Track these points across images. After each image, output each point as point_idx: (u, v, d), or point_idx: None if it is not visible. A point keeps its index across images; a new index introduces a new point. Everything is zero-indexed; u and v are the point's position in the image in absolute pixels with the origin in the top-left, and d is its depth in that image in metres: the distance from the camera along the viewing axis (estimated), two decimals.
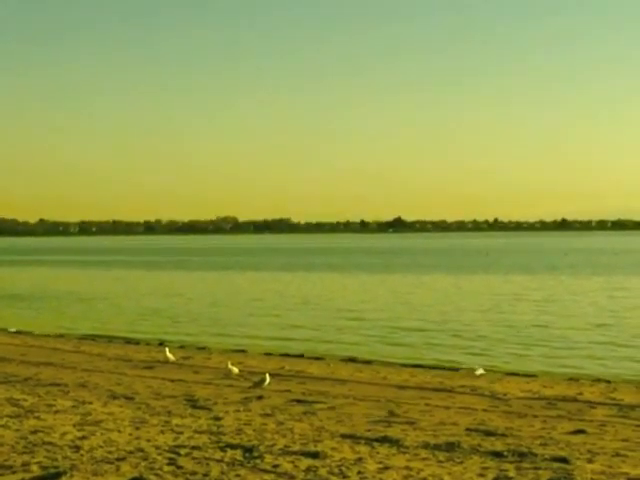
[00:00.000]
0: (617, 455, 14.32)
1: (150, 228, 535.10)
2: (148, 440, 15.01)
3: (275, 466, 13.15)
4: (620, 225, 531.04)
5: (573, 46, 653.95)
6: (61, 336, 37.88)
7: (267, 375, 22.56)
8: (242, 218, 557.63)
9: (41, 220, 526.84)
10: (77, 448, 14.31)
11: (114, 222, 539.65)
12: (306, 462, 13.40)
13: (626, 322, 40.70)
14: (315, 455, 13.84)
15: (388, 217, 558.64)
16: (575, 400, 20.99)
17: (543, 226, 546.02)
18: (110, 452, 14.03)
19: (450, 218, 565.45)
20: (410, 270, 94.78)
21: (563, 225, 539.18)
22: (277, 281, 77.67)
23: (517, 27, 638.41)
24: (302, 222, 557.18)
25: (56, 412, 18.01)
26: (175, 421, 17.03)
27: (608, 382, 24.78)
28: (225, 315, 47.07)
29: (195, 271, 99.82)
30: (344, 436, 15.59)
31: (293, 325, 41.47)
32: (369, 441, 15.10)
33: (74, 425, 16.42)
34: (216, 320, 44.56)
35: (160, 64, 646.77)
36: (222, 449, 14.28)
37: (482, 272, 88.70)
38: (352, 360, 29.86)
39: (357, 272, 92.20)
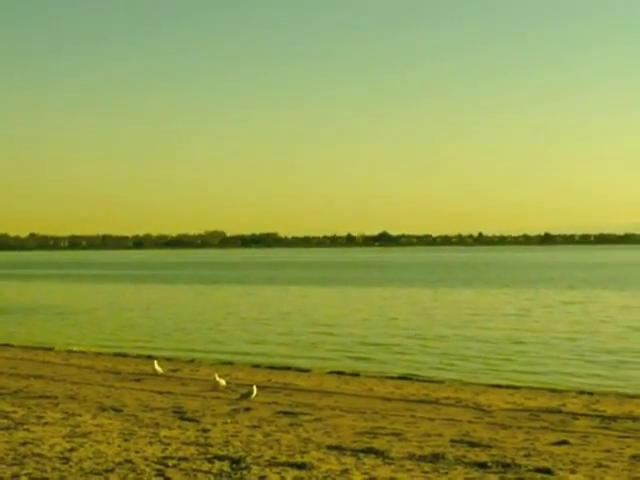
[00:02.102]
0: (600, 466, 14.50)
1: (139, 243, 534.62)
2: (136, 452, 15.13)
3: (262, 477, 13.29)
4: (603, 239, 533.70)
5: (556, 63, 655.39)
6: (50, 349, 37.93)
7: (254, 387, 22.72)
8: (230, 232, 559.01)
9: (32, 234, 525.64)
10: (66, 460, 14.41)
11: (104, 237, 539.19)
12: (293, 473, 13.53)
13: (601, 335, 41.00)
14: (302, 466, 13.98)
15: (374, 232, 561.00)
16: (558, 411, 21.23)
17: (527, 240, 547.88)
18: (99, 464, 14.14)
19: (435, 232, 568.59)
20: (392, 284, 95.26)
21: (547, 239, 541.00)
22: (260, 295, 77.98)
23: (501, 43, 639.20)
24: (289, 236, 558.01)
25: (45, 424, 18.11)
26: (163, 433, 17.16)
27: (590, 394, 24.99)
28: (207, 328, 47.25)
29: (182, 284, 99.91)
30: (330, 447, 15.75)
31: (263, 339, 41.43)
32: (355, 452, 15.25)
33: (63, 437, 16.53)
34: (200, 332, 44.76)
35: (147, 79, 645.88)
36: (210, 460, 14.41)
37: (463, 285, 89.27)
38: (339, 372, 30.04)
39: (340, 286, 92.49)
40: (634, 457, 15.27)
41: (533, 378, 28.70)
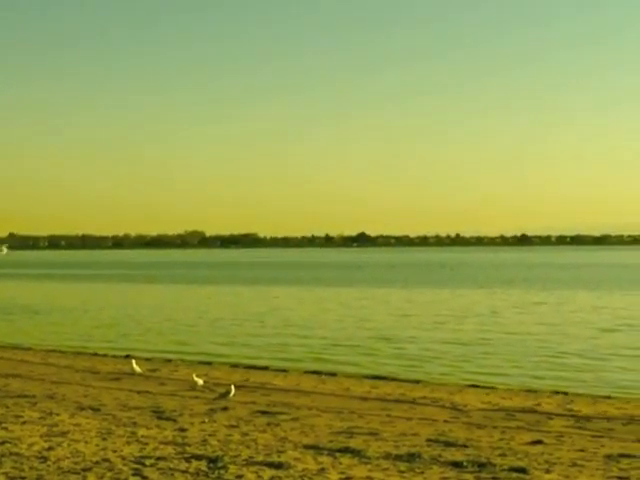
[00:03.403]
0: (574, 465, 14.64)
1: (118, 243, 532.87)
2: (114, 451, 15.17)
3: (239, 476, 13.36)
4: (579, 240, 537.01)
5: (533, 65, 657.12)
6: (29, 349, 37.86)
7: (232, 387, 22.79)
8: (209, 233, 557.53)
9: (11, 234, 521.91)
10: (44, 459, 14.44)
11: (83, 236, 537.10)
12: (270, 472, 13.61)
13: (571, 336, 41.34)
14: (278, 466, 14.05)
15: (352, 232, 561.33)
16: (533, 411, 21.42)
17: (504, 241, 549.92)
18: (76, 463, 14.17)
19: (413, 233, 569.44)
20: (368, 284, 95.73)
21: (523, 240, 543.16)
22: (235, 295, 78.19)
23: (480, 46, 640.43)
24: (268, 237, 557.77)
25: (24, 423, 18.13)
26: (141, 432, 17.21)
27: (565, 394, 25.22)
28: (186, 327, 47.37)
29: (160, 284, 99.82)
30: (307, 447, 15.84)
31: (233, 340, 41.29)
32: (332, 452, 15.34)
33: (41, 436, 16.55)
34: (179, 332, 44.81)
35: (127, 80, 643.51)
36: (187, 460, 14.47)
37: (438, 286, 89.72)
38: (316, 372, 30.13)
39: (316, 286, 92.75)
40: (608, 457, 15.42)
41: (501, 380, 28.71)
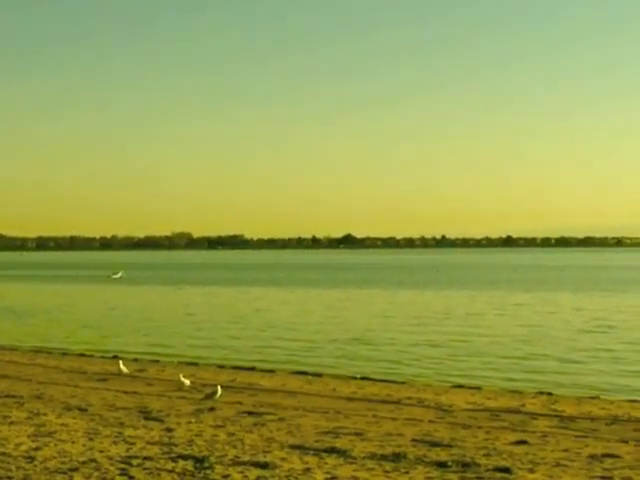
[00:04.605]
0: (558, 465, 14.75)
1: (106, 244, 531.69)
2: (101, 451, 15.23)
3: (225, 476, 13.44)
4: (563, 242, 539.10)
5: (510, 68, 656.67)
6: (16, 349, 37.88)
7: (219, 387, 22.87)
8: (197, 234, 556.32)
9: None
10: (31, 459, 14.50)
11: (71, 237, 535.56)
12: (256, 472, 13.69)
13: (552, 337, 41.62)
14: (264, 465, 14.14)
15: (339, 234, 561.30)
16: (518, 412, 21.55)
17: (489, 243, 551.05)
18: (63, 463, 14.23)
19: (399, 235, 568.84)
20: (353, 285, 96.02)
21: (508, 242, 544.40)
22: (219, 296, 78.45)
23: (464, 48, 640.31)
24: (255, 238, 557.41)
25: (11, 423, 18.19)
26: (128, 432, 17.27)
27: (550, 394, 25.38)
28: (167, 328, 47.52)
29: (145, 285, 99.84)
30: (293, 447, 15.92)
31: (212, 342, 41.16)
32: (317, 452, 15.43)
33: (28, 436, 16.61)
34: (160, 333, 44.97)
35: (112, 79, 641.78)
36: (174, 460, 14.54)
37: (422, 287, 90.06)
38: (302, 373, 30.23)
39: (300, 287, 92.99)
40: (592, 457, 15.53)
41: (477, 382, 28.83)
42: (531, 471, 14.22)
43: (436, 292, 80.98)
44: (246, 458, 14.76)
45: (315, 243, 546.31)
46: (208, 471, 13.74)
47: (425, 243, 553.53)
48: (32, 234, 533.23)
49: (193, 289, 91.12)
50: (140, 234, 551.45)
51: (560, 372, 30.88)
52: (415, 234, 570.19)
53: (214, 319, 53.06)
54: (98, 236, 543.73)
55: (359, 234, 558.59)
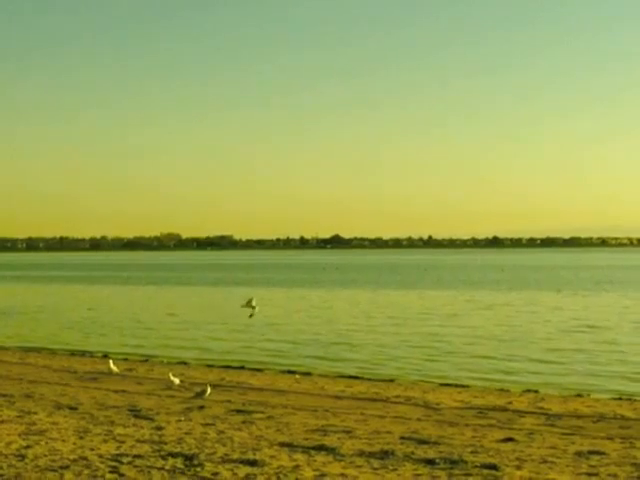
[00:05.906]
0: (544, 462, 14.88)
1: (96, 244, 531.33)
2: (91, 449, 15.29)
3: (215, 474, 13.52)
4: (549, 243, 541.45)
5: (494, 71, 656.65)
6: (6, 349, 37.89)
7: (208, 386, 22.97)
8: (185, 235, 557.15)
9: None
10: (22, 457, 14.55)
11: (61, 238, 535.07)
12: (245, 470, 13.77)
13: (532, 336, 41.94)
14: (254, 463, 14.22)
15: (326, 234, 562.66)
16: (505, 409, 21.71)
17: (475, 243, 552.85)
18: (54, 461, 14.28)
19: (386, 235, 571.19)
20: (339, 285, 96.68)
21: (495, 243, 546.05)
22: (206, 296, 78.91)
23: (460, 48, 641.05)
24: (244, 239, 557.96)
25: (2, 422, 18.22)
26: (118, 431, 17.34)
27: (536, 392, 25.57)
28: (151, 328, 47.62)
29: (131, 286, 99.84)
30: (282, 444, 16.01)
31: (196, 344, 41.03)
32: (306, 449, 15.52)
33: (19, 434, 16.65)
34: (146, 333, 45.03)
35: (105, 85, 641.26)
36: (163, 457, 14.61)
37: (408, 287, 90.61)
38: (291, 372, 30.34)
39: (285, 287, 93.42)
40: (578, 453, 15.68)
41: (467, 381, 28.92)
42: (518, 468, 14.33)
43: (422, 292, 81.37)
44: (235, 456, 14.83)
45: (303, 243, 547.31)
46: (198, 469, 13.81)
47: (412, 243, 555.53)
48: (22, 235, 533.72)
49: (178, 289, 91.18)
50: (129, 235, 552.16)
51: (544, 372, 30.96)
52: (402, 234, 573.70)
53: (197, 319, 53.14)
54: (88, 237, 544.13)
55: (347, 235, 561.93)
